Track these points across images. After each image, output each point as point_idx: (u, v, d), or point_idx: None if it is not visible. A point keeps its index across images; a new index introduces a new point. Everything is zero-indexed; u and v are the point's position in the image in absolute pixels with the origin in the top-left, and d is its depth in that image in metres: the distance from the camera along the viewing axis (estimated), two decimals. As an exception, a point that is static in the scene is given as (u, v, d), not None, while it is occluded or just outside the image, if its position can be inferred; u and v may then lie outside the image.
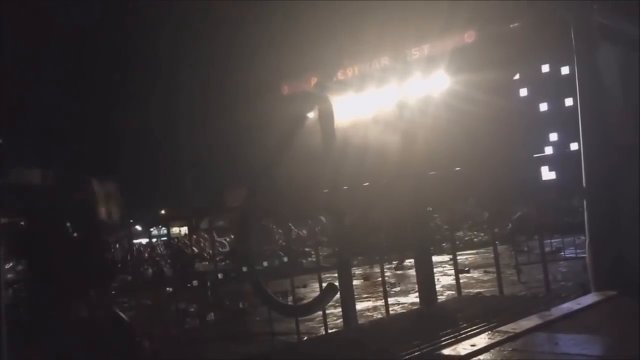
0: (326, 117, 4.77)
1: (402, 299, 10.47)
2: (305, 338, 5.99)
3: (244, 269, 5.87)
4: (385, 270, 12.38)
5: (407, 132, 5.42)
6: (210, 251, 20.23)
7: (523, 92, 53.41)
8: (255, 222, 5.85)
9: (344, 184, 4.88)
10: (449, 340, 3.61)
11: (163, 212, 35.54)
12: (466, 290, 8.92)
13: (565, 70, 45.20)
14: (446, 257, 13.99)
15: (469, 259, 15.99)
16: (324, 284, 4.87)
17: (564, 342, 3.35)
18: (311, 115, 5.13)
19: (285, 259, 17.36)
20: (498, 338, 3.25)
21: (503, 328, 3.44)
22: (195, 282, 15.02)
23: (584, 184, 5.26)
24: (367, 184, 5.82)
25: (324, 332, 6.48)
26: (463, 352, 3.06)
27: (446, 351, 3.07)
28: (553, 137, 51.70)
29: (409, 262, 14.82)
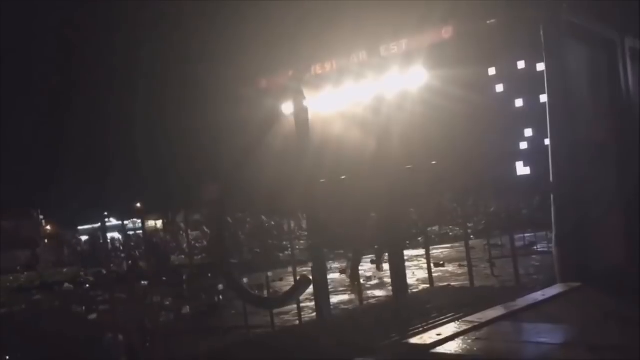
0: (301, 110, 4.81)
1: (377, 292, 10.58)
2: (278, 330, 6.06)
3: (218, 263, 5.91)
4: (361, 264, 12.50)
5: (384, 126, 5.50)
6: (185, 245, 20.18)
7: (499, 88, 54.02)
8: (228, 216, 5.88)
9: (320, 178, 4.93)
10: (417, 330, 3.71)
11: (138, 205, 35.18)
12: (440, 283, 9.05)
13: (540, 67, 45.74)
14: (422, 251, 14.13)
15: (444, 253, 16.15)
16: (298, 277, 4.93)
17: (527, 331, 3.45)
18: (288, 110, 5.16)
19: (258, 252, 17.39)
20: (463, 327, 3.34)
21: (469, 318, 3.53)
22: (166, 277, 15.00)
23: (551, 180, 5.39)
24: (343, 177, 5.87)
25: (297, 324, 6.56)
26: (429, 341, 3.14)
27: (413, 340, 3.16)
28: (528, 132, 52.39)
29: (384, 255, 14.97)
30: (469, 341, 3.17)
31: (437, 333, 3.33)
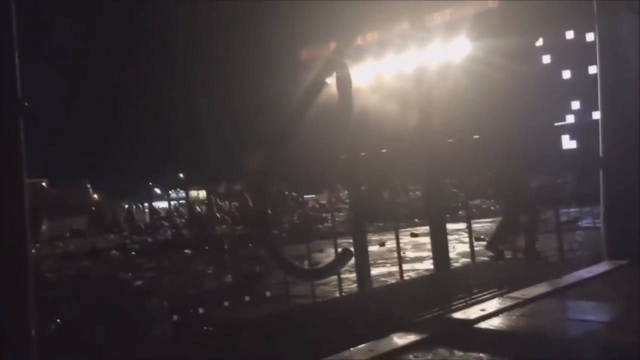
0: (344, 83, 4.77)
1: (417, 266, 10.57)
2: (320, 301, 6.13)
3: (259, 233, 5.97)
4: (401, 237, 12.51)
5: (426, 98, 5.41)
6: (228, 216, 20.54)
7: (546, 59, 52.33)
8: (271, 187, 5.93)
9: (361, 151, 4.91)
10: (460, 305, 3.70)
11: (181, 175, 35.86)
12: (481, 258, 8.98)
13: (590, 37, 44.20)
14: (462, 225, 14.02)
15: (485, 227, 15.98)
16: (339, 249, 4.96)
17: (572, 309, 3.41)
18: (330, 81, 5.13)
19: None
20: (508, 303, 3.32)
21: (513, 294, 3.50)
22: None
23: (600, 155, 5.24)
24: (384, 150, 5.82)
25: (338, 296, 6.62)
26: (473, 316, 3.13)
27: (456, 315, 3.15)
28: (575, 105, 50.81)
29: (424, 229, 14.94)
30: (514, 317, 3.15)
31: (481, 308, 3.31)
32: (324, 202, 24.79)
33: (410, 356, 2.90)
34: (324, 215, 21.71)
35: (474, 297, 3.91)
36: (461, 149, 7.21)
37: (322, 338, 3.40)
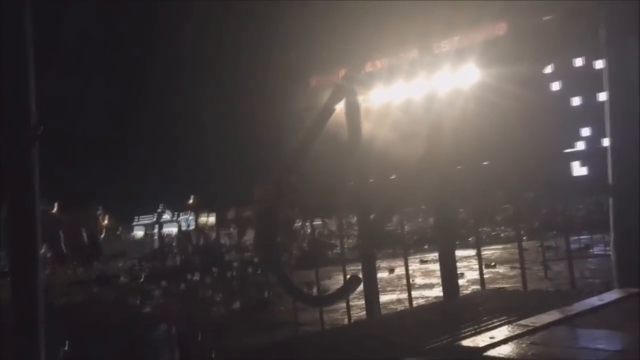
0: (353, 109, 4.82)
1: (426, 293, 10.51)
2: (328, 327, 6.09)
3: (269, 259, 5.97)
4: (410, 264, 12.46)
5: (435, 125, 5.43)
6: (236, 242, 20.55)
7: (555, 86, 52.47)
8: (280, 214, 5.95)
9: (370, 177, 4.93)
10: (469, 333, 3.66)
11: (191, 200, 36.00)
12: (491, 285, 8.93)
13: (599, 64, 44.29)
14: (472, 252, 13.96)
15: (495, 254, 15.89)
16: (348, 276, 4.94)
17: (583, 337, 3.36)
18: (337, 107, 5.16)
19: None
20: (517, 331, 3.27)
21: (523, 322, 3.45)
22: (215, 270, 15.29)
23: (610, 180, 5.21)
24: (393, 177, 5.81)
25: (347, 323, 6.58)
26: (481, 344, 3.09)
27: (465, 342, 3.11)
28: (585, 132, 50.73)
29: (433, 256, 14.87)
30: (523, 345, 3.11)
31: (490, 336, 3.27)
32: (332, 228, 24.78)
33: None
34: (332, 241, 21.67)
35: (483, 324, 3.87)
36: (471, 175, 7.20)
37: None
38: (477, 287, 8.55)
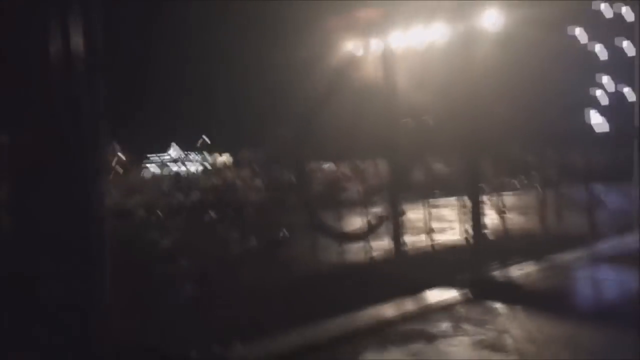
0: (386, 52, 4.82)
1: (438, 237, 10.67)
2: (357, 262, 6.20)
3: (301, 200, 6.08)
4: (420, 208, 12.55)
5: (465, 67, 5.42)
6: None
7: (573, 30, 51.00)
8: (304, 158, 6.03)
9: (400, 120, 4.97)
10: (497, 266, 3.81)
11: (205, 138, 35.98)
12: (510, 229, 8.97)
13: (624, 11, 42.98)
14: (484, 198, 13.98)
15: (509, 200, 15.95)
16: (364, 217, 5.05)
17: (604, 271, 3.50)
18: (360, 52, 5.14)
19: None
20: (544, 265, 3.40)
21: (549, 257, 3.58)
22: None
23: (636, 125, 5.24)
24: (424, 117, 5.80)
25: (375, 259, 6.68)
26: (511, 275, 3.23)
27: (496, 274, 3.24)
28: (604, 79, 49.70)
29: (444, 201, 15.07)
30: (549, 276, 3.26)
31: (519, 269, 3.42)
32: (345, 172, 24.87)
33: (461, 309, 3.03)
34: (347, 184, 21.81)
35: (509, 261, 4.02)
36: (492, 123, 7.21)
37: (369, 290, 3.55)
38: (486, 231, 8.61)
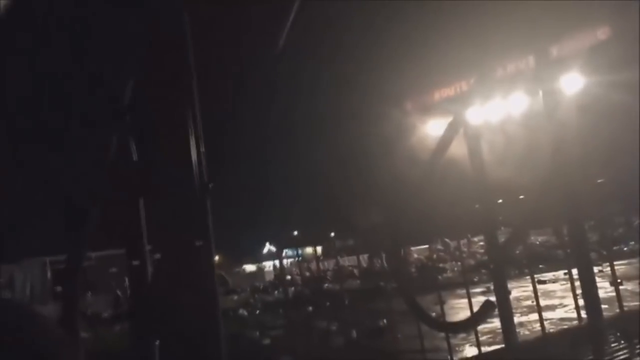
0: (471, 134, 4.82)
1: (548, 315, 10.01)
2: (469, 355, 5.94)
3: (395, 284, 5.98)
4: (525, 285, 11.94)
5: (555, 138, 5.27)
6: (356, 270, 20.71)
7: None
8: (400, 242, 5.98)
9: (496, 198, 4.87)
10: (625, 356, 3.49)
11: (295, 233, 36.75)
12: (629, 304, 8.32)
13: None
14: (596, 269, 13.14)
15: (620, 270, 14.85)
16: (463, 299, 4.82)
17: None
18: (451, 132, 5.15)
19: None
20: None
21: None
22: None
23: None
24: (522, 197, 5.66)
25: (474, 350, 6.40)
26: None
27: (623, 364, 2.98)
28: None
29: (552, 275, 14.25)
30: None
31: (648, 355, 3.12)
32: (435, 254, 24.44)
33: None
34: (441, 265, 21.32)
35: (637, 347, 3.67)
36: (591, 190, 6.90)
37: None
38: (605, 306, 8.04)
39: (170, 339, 2.54)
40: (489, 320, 6.89)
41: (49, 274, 22.36)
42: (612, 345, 3.66)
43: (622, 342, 3.68)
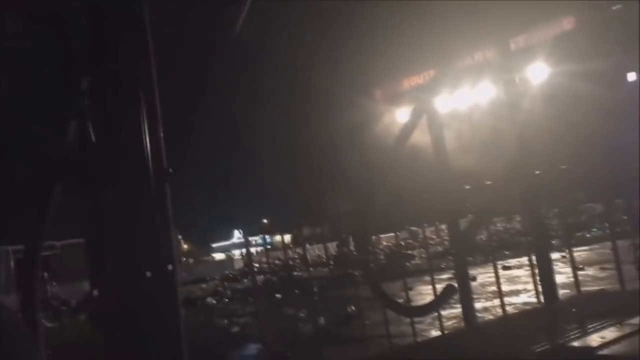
0: (434, 121, 4.86)
1: (512, 299, 10.24)
2: (426, 339, 6.06)
3: (359, 272, 6.03)
4: (490, 271, 12.19)
5: (520, 126, 5.37)
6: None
7: (631, 76, 49.90)
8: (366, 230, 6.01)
9: (456, 186, 4.94)
10: (576, 335, 3.60)
11: (265, 221, 36.78)
12: (583, 289, 8.58)
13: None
14: (556, 255, 13.47)
15: (582, 256, 15.25)
16: (431, 285, 4.92)
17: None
18: (417, 119, 5.19)
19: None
20: (627, 330, 3.20)
21: (631, 321, 3.36)
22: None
23: None
24: (489, 182, 5.74)
25: (438, 334, 6.52)
26: (594, 344, 3.05)
27: (576, 343, 3.07)
28: (668, 123, 47.87)
29: (516, 262, 14.53)
30: (636, 343, 3.04)
31: (601, 336, 3.21)
32: (402, 242, 24.70)
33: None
34: (409, 252, 21.54)
35: (589, 327, 3.79)
36: (555, 178, 7.04)
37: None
38: (566, 291, 8.26)
39: (126, 332, 2.50)
40: (454, 306, 7.04)
41: (12, 264, 21.93)
42: (566, 325, 3.78)
43: (576, 323, 3.80)
